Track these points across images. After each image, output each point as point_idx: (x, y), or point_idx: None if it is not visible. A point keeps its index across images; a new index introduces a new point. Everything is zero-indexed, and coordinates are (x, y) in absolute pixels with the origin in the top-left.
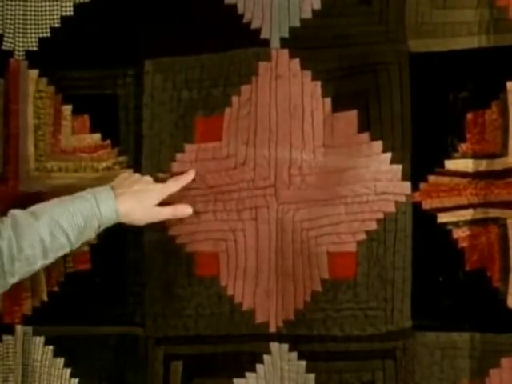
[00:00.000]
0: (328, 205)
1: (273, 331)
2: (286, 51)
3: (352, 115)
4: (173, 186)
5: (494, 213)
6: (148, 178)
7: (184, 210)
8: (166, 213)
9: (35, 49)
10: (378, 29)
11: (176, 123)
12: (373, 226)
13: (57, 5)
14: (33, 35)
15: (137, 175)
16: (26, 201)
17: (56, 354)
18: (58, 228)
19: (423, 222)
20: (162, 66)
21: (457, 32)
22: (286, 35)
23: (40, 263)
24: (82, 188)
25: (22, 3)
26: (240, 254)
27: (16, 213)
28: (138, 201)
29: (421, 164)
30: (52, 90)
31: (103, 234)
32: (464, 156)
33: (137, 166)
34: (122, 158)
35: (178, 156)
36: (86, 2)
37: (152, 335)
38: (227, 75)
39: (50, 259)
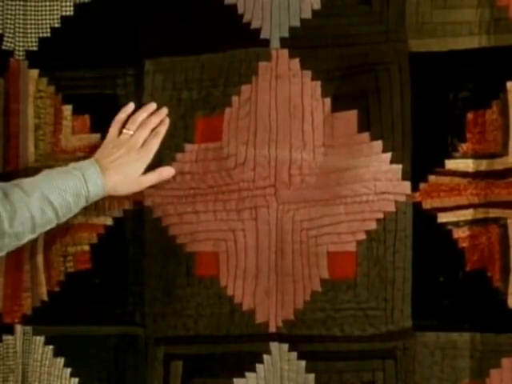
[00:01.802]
0: (328, 205)
1: (273, 331)
2: (285, 51)
3: (352, 115)
4: (155, 144)
5: (494, 213)
6: (133, 142)
7: (168, 171)
8: (151, 179)
9: (35, 49)
10: (378, 29)
11: (176, 123)
12: (373, 225)
13: (57, 5)
14: (33, 35)
15: (121, 140)
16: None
17: (56, 354)
18: (48, 204)
19: (423, 221)
20: (162, 66)
21: (457, 32)
22: (286, 35)
23: (27, 238)
24: None
25: (22, 3)
26: (240, 254)
27: (6, 187)
28: (124, 175)
29: (421, 164)
30: (52, 89)
31: (103, 233)
32: (464, 156)
33: None
34: None
35: (178, 156)
36: (86, 2)
37: (152, 335)
38: (227, 75)
39: (37, 234)
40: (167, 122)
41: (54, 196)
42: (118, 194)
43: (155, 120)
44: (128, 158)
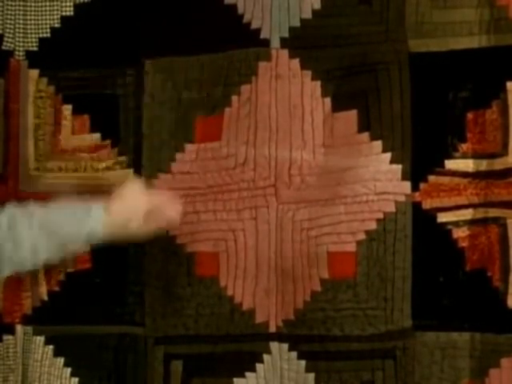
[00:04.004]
0: (328, 205)
1: (273, 331)
2: (285, 51)
3: (352, 115)
4: (159, 198)
5: (494, 212)
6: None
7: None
8: (152, 227)
9: (35, 49)
10: (378, 29)
11: (176, 123)
12: (373, 225)
13: (57, 5)
14: (33, 35)
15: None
16: (26, 201)
17: (56, 354)
18: (53, 241)
19: (423, 221)
20: (161, 66)
21: (457, 32)
22: (286, 35)
23: (28, 269)
24: (81, 188)
25: (22, 3)
26: (240, 254)
27: (12, 216)
28: (127, 217)
29: (421, 164)
30: (52, 89)
31: None
32: (464, 156)
33: (137, 166)
34: (121, 158)
35: (178, 156)
36: (86, 2)
37: (152, 335)
38: (227, 75)
39: (39, 267)
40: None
41: (58, 233)
42: (116, 237)
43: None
44: (131, 201)
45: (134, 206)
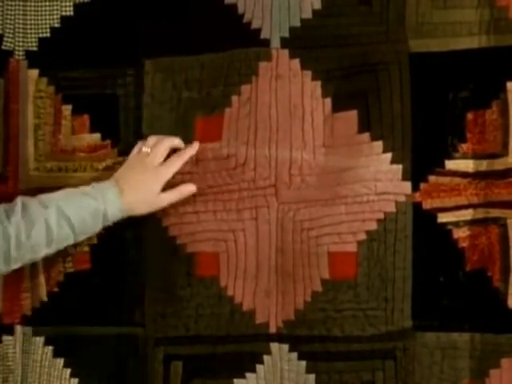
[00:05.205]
0: (328, 205)
1: (273, 331)
2: (286, 51)
3: (352, 115)
4: (175, 164)
5: (494, 213)
6: (150, 160)
7: (188, 188)
8: (171, 198)
9: (35, 49)
10: (378, 29)
11: (176, 123)
12: (373, 225)
13: (57, 5)
14: (33, 35)
15: (139, 158)
16: None
17: (56, 355)
18: (64, 219)
19: (423, 221)
20: (161, 66)
21: (457, 32)
22: (287, 35)
23: (44, 252)
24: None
25: (21, 3)
26: (240, 254)
27: (25, 200)
28: (140, 195)
29: (421, 164)
30: (52, 89)
31: (103, 233)
32: (464, 156)
33: None
34: (121, 158)
35: None
36: (85, 2)
37: (152, 335)
38: (227, 75)
39: (53, 249)
40: (196, 146)
41: (70, 211)
42: (136, 214)
43: (175, 139)
44: (143, 177)
45: (148, 192)
